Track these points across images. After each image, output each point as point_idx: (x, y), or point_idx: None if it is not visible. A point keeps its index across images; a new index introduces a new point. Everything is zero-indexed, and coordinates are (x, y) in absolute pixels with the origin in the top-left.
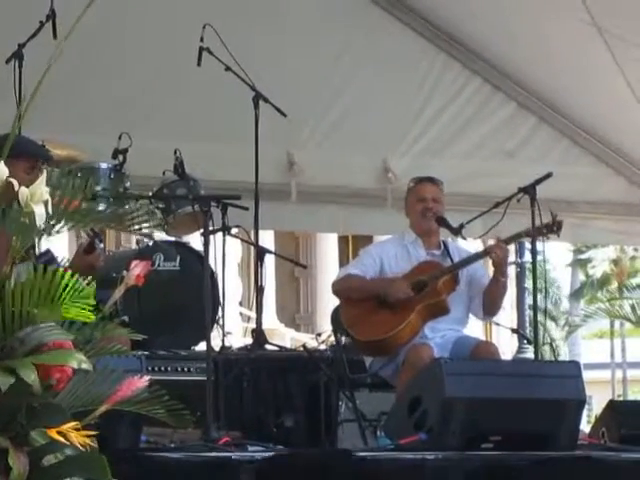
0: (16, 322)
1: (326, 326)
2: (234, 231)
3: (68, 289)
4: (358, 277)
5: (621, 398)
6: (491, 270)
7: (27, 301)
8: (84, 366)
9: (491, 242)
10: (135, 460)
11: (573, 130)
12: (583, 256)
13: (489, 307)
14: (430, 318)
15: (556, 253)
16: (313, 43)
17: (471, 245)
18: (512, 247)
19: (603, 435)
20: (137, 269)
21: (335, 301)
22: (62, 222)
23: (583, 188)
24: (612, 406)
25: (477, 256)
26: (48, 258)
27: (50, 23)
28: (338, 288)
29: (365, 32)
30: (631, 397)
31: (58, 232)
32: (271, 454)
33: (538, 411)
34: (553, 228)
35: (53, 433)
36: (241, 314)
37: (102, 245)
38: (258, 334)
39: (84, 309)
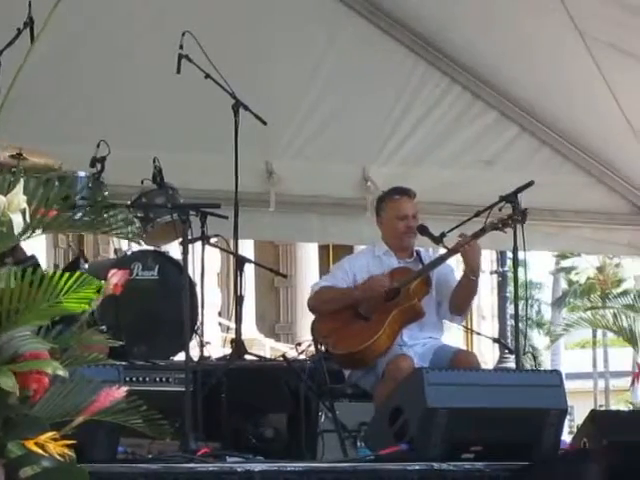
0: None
1: (306, 336)
2: (213, 240)
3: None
4: (330, 288)
5: (603, 408)
6: (459, 275)
7: (7, 306)
8: (60, 372)
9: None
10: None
11: (554, 139)
12: (566, 263)
13: (457, 306)
14: (406, 323)
15: (539, 260)
16: (293, 51)
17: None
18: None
19: (585, 445)
20: (115, 278)
21: None
22: (40, 229)
23: (564, 196)
24: (594, 416)
25: (445, 256)
26: (33, 263)
27: (28, 30)
28: (314, 303)
29: (345, 40)
30: (613, 407)
31: (29, 237)
32: (249, 468)
33: (519, 421)
34: (518, 217)
35: (30, 444)
36: (220, 324)
37: (86, 265)
38: (237, 344)
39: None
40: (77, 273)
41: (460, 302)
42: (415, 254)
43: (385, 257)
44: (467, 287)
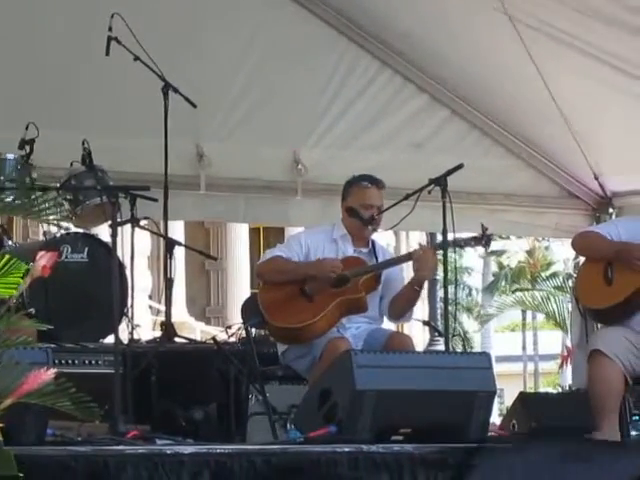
0: None
1: (236, 319)
2: (143, 223)
3: None
4: (283, 259)
5: (532, 390)
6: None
7: None
8: None
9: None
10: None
11: (484, 122)
12: (496, 246)
13: (397, 312)
14: (347, 313)
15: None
16: (223, 34)
17: (382, 237)
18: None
19: (513, 427)
20: (43, 260)
21: (245, 293)
22: None
23: (494, 180)
24: (522, 398)
25: (401, 259)
26: None
27: None
28: (262, 269)
29: (275, 23)
30: (542, 389)
31: None
32: (179, 450)
33: (448, 403)
34: (482, 241)
35: None
36: (150, 307)
37: (10, 242)
38: (167, 327)
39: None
40: (4, 258)
41: (399, 310)
42: (371, 244)
43: (341, 241)
44: (409, 297)
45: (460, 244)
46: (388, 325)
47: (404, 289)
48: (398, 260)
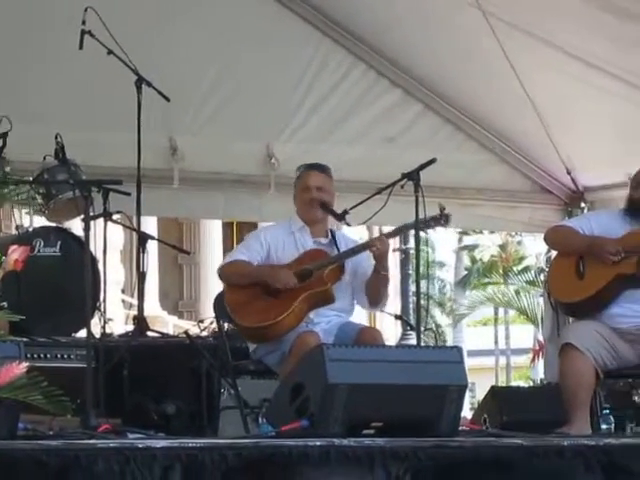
0: None
1: (209, 313)
2: (116, 217)
3: None
4: (244, 263)
5: (504, 384)
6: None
7: None
8: None
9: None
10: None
11: (457, 117)
12: (469, 241)
13: (373, 298)
14: (315, 307)
15: (443, 238)
16: (197, 28)
17: (355, 231)
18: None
19: (485, 421)
20: (15, 254)
21: (218, 288)
22: None
23: (467, 174)
24: (494, 392)
25: (362, 247)
26: None
27: None
28: (224, 273)
29: (248, 17)
30: (514, 383)
31: None
32: (151, 444)
33: (420, 397)
34: (440, 221)
35: None
36: (123, 301)
37: None
38: (140, 321)
39: None
40: None
41: (375, 295)
42: (330, 234)
43: (299, 234)
44: (378, 281)
45: (420, 227)
46: (360, 319)
47: (372, 277)
48: (358, 249)
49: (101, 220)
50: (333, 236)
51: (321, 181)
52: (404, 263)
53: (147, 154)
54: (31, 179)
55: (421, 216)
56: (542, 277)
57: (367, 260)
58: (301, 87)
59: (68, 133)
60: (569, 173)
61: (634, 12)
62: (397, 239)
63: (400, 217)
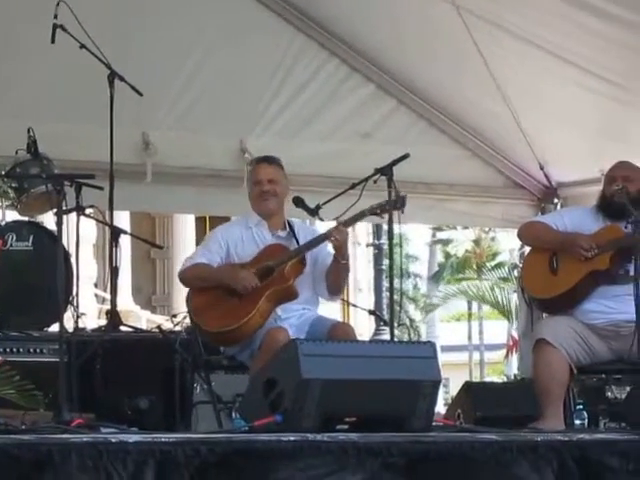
0: None
1: (182, 308)
2: (88, 211)
3: None
4: (204, 266)
5: (478, 380)
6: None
7: None
8: None
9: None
10: None
11: (430, 112)
12: (443, 235)
13: (332, 287)
14: (279, 303)
15: (417, 234)
16: (170, 22)
17: (327, 226)
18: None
19: (459, 417)
20: None
21: None
22: None
23: (440, 170)
24: (467, 388)
25: (320, 239)
26: None
27: None
28: (185, 277)
29: (222, 12)
30: (488, 379)
31: None
32: (124, 439)
33: (393, 392)
34: (397, 204)
35: None
36: (96, 295)
37: None
38: (112, 315)
39: None
40: None
41: (334, 284)
42: (287, 226)
43: (257, 229)
44: (338, 270)
45: (375, 211)
46: (333, 315)
47: (332, 266)
48: (316, 241)
49: (74, 214)
50: (291, 227)
51: (271, 173)
52: (377, 258)
53: (120, 148)
54: (3, 173)
55: (394, 212)
56: (516, 273)
57: (326, 249)
58: (274, 81)
59: (40, 127)
60: (542, 168)
61: (611, 12)
62: (370, 234)
63: (381, 217)
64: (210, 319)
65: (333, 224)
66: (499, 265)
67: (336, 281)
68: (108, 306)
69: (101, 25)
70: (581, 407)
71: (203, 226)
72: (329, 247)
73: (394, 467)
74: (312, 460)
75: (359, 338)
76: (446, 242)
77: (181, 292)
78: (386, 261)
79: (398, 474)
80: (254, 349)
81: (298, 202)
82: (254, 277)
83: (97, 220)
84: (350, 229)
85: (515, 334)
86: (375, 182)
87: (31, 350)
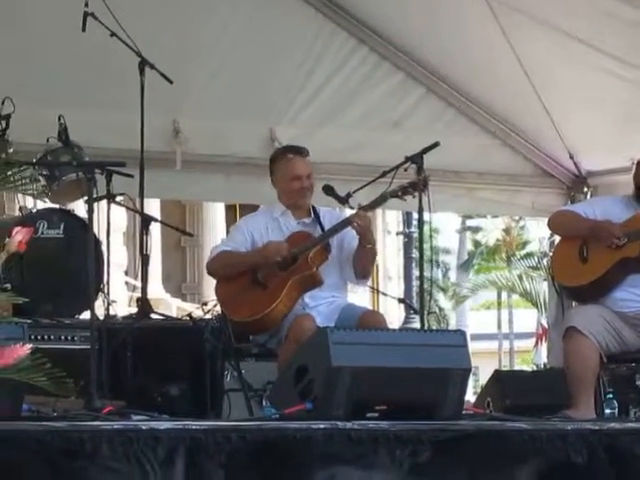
0: None
1: (212, 295)
2: (119, 199)
3: None
4: (231, 253)
5: (507, 368)
6: None
7: None
8: None
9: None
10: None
11: (460, 100)
12: (472, 223)
13: (360, 271)
14: (304, 291)
15: (447, 225)
16: (200, 10)
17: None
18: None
19: (488, 405)
20: (19, 235)
21: None
22: None
23: (469, 158)
24: (497, 376)
25: (342, 225)
26: None
27: None
28: (212, 267)
29: (252, 1)
30: (517, 367)
31: None
32: (154, 426)
33: (423, 380)
34: (419, 186)
35: None
36: (127, 283)
37: None
38: (143, 303)
39: None
40: None
41: (361, 268)
42: (312, 213)
43: (282, 218)
44: (364, 255)
45: (396, 194)
46: (363, 303)
47: (358, 250)
48: (339, 227)
49: (104, 202)
50: (316, 214)
51: (309, 168)
52: (407, 247)
53: (150, 136)
54: (34, 161)
55: (424, 200)
56: (545, 262)
57: (351, 233)
58: (303, 70)
59: (71, 115)
60: (572, 157)
61: None
62: (400, 223)
63: (402, 201)
64: (236, 309)
65: None
66: (529, 254)
67: (363, 265)
68: (138, 294)
69: (132, 13)
70: (611, 396)
71: (233, 214)
72: (354, 231)
73: (423, 455)
74: (342, 448)
75: (389, 326)
76: (475, 230)
77: (211, 280)
78: (416, 250)
79: (427, 462)
80: (282, 337)
81: (328, 190)
82: (283, 243)
83: (127, 208)
84: (380, 218)
85: (545, 323)
86: (405, 170)
87: (62, 337)
